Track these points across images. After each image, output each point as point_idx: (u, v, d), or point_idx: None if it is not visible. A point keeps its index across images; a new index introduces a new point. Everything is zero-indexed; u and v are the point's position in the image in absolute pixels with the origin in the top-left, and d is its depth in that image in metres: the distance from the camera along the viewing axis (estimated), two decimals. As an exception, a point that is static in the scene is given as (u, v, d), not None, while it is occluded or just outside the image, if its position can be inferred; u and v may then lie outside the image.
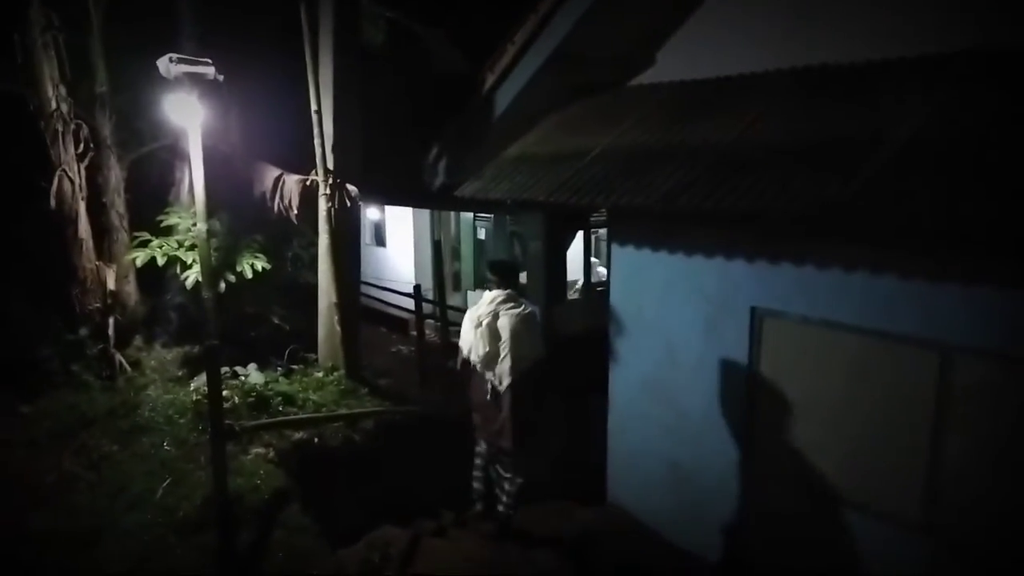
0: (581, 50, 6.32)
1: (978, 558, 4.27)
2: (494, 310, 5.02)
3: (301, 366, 7.10)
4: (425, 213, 14.39)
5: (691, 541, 5.88)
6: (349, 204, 6.75)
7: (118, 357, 7.13)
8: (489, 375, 5.03)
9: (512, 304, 5.07)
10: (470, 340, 5.11)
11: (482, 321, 5.01)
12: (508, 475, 5.33)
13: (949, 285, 4.22)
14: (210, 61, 5.86)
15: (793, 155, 4.55)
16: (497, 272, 5.26)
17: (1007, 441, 4.12)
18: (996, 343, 4.07)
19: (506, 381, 4.95)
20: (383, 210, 14.66)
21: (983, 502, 4.25)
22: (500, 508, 5.46)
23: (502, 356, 4.97)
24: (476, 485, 5.60)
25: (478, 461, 5.51)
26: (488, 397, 5.06)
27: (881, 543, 4.70)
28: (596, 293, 13.21)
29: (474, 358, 5.09)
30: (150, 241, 7.14)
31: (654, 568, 5.77)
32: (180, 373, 6.96)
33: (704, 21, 6.09)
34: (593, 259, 13.61)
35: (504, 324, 4.98)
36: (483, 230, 14.16)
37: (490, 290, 5.18)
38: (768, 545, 5.35)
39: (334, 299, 6.85)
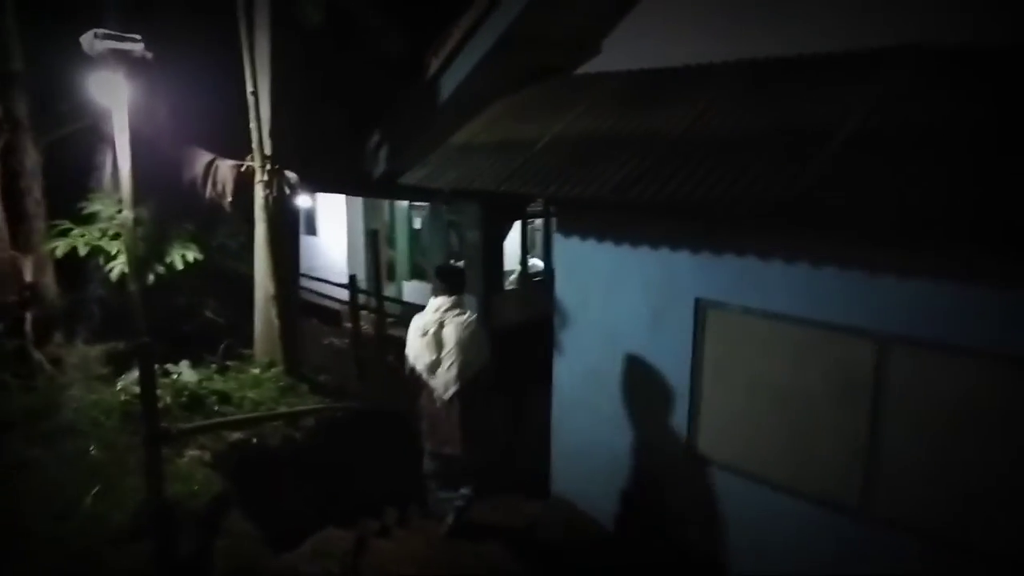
0: (528, 35, 6.22)
1: (913, 542, 4.39)
2: (440, 319, 5.02)
3: (237, 362, 6.78)
4: (358, 201, 14.07)
5: (633, 528, 5.91)
6: (288, 192, 6.48)
7: (37, 355, 6.64)
8: (436, 383, 5.02)
9: (458, 311, 5.07)
10: (416, 349, 5.08)
11: (428, 330, 5.00)
12: (461, 486, 5.35)
13: (886, 276, 4.34)
14: (138, 37, 5.55)
15: (744, 147, 4.57)
16: (444, 278, 5.21)
17: (941, 428, 4.25)
18: (930, 333, 4.19)
19: (452, 389, 4.96)
20: (314, 198, 14.26)
21: (919, 487, 4.38)
22: (453, 510, 5.44)
23: (447, 365, 4.96)
24: (439, 495, 5.51)
25: (430, 469, 5.42)
26: (437, 405, 5.04)
27: (819, 528, 4.81)
28: (533, 283, 13.24)
29: (420, 367, 5.06)
30: (71, 230, 6.69)
31: (598, 558, 5.79)
32: (105, 371, 6.51)
33: (648, 12, 6.07)
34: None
35: (449, 333, 4.97)
36: (418, 219, 13.93)
37: (436, 296, 5.13)
38: (710, 532, 5.42)
39: (272, 292, 6.57)
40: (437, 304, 5.06)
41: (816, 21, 5.09)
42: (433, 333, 4.97)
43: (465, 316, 5.07)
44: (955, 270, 4.04)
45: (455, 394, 4.94)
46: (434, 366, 4.97)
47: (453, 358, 4.92)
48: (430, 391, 5.06)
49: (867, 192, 3.78)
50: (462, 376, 4.93)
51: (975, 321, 4.02)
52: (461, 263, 7.54)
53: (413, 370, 5.13)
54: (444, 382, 4.96)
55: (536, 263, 13.72)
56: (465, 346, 4.94)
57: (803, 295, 4.75)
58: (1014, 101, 3.86)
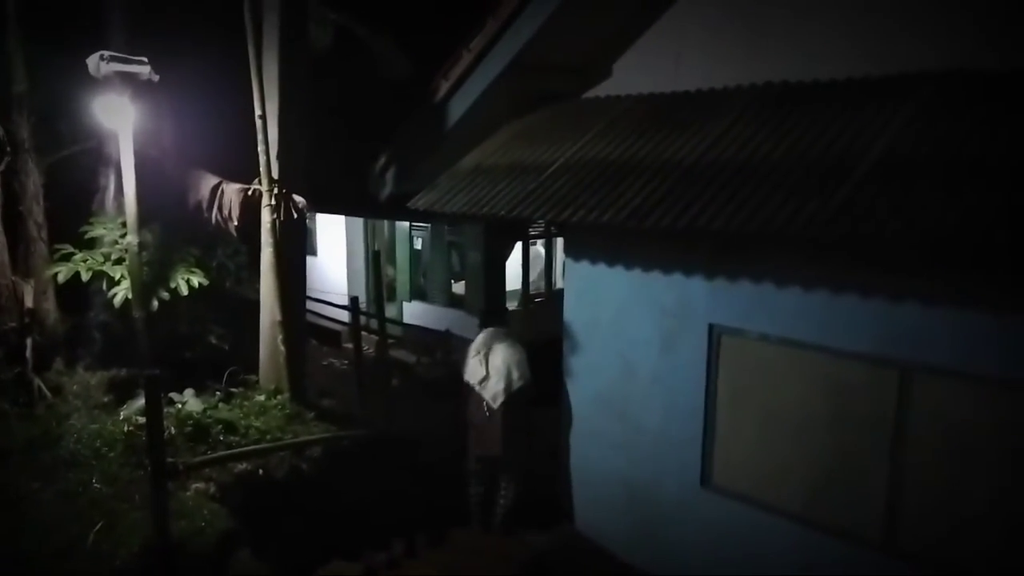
0: (540, 59, 6.18)
1: (939, 576, 4.29)
2: (490, 343, 6.18)
3: (241, 389, 6.62)
4: (358, 221, 13.96)
5: (647, 561, 5.80)
6: (296, 216, 6.36)
7: (37, 382, 6.45)
8: (486, 395, 6.04)
9: (504, 338, 6.25)
10: (471, 367, 6.19)
11: (480, 351, 6.15)
12: (504, 482, 6.20)
13: (910, 303, 4.27)
14: (144, 59, 5.46)
15: (764, 174, 4.50)
16: (491, 315, 6.80)
17: (967, 458, 4.18)
18: (955, 362, 4.13)
19: (500, 400, 5.98)
20: (314, 218, 14.17)
21: (943, 520, 4.29)
22: (499, 509, 6.23)
23: (495, 380, 6.02)
24: (474, 494, 6.36)
25: (473, 472, 6.30)
26: (483, 413, 6.05)
27: (841, 562, 4.71)
28: (535, 304, 13.14)
29: (473, 382, 6.13)
30: (73, 254, 6.55)
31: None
32: (106, 399, 6.31)
33: (661, 34, 6.03)
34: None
35: (497, 355, 6.10)
36: (420, 239, 13.83)
37: (486, 327, 6.42)
38: (724, 565, 5.30)
39: (278, 317, 6.42)
40: (489, 332, 6.32)
41: (836, 45, 5.04)
42: (484, 354, 6.11)
43: (509, 342, 6.22)
44: (983, 297, 3.97)
45: (502, 404, 5.97)
46: (483, 380, 6.06)
47: (499, 375, 6.01)
48: (478, 402, 6.08)
49: (891, 224, 3.69)
50: (507, 390, 5.99)
51: (1003, 349, 3.95)
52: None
53: (468, 384, 6.19)
54: (492, 394, 6.01)
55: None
56: (509, 365, 6.04)
57: (823, 322, 4.68)
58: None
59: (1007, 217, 3.41)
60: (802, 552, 4.88)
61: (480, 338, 6.30)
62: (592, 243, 6.03)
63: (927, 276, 4.15)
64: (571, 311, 6.33)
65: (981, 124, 4.03)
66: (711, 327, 5.34)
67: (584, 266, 6.16)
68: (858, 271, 4.44)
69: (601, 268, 6.02)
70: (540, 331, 8.87)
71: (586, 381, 6.23)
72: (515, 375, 6.04)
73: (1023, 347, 3.87)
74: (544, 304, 13.05)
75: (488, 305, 9.26)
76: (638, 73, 6.19)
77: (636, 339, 5.79)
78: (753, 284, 5.04)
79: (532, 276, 13.33)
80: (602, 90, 6.50)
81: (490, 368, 6.05)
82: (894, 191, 3.85)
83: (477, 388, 6.09)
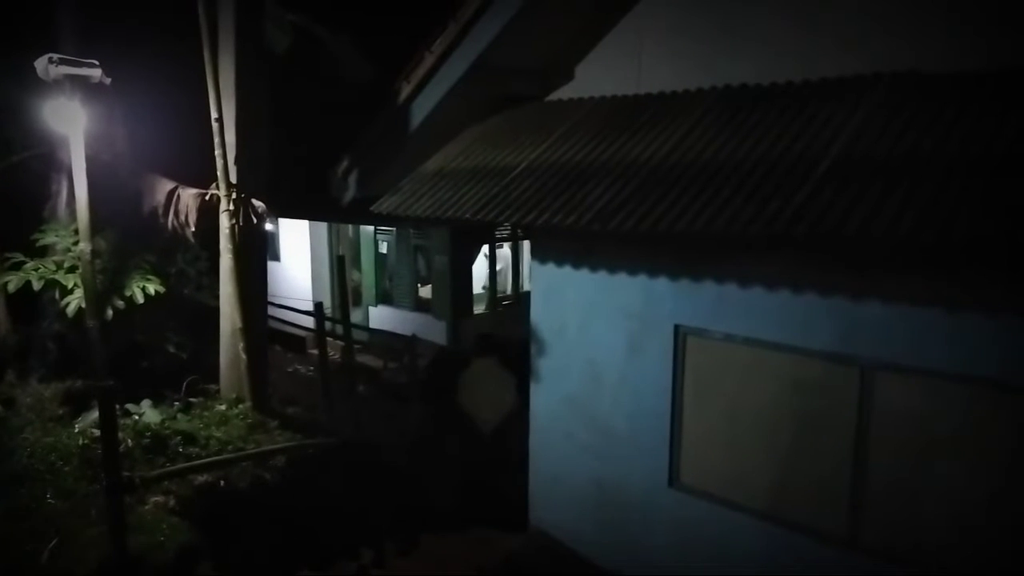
0: (502, 61, 6.16)
1: (903, 570, 4.35)
2: (480, 370, 7.27)
3: (201, 399, 6.47)
4: (322, 226, 13.84)
5: (617, 562, 5.81)
6: (255, 221, 6.24)
7: (-12, 395, 6.30)
8: (478, 417, 7.03)
9: (493, 366, 7.24)
10: (468, 396, 7.23)
11: (472, 380, 7.21)
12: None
13: (870, 302, 4.32)
14: (96, 62, 5.33)
15: (726, 175, 4.52)
16: (481, 345, 7.91)
17: (928, 454, 4.23)
18: (914, 359, 4.19)
19: (491, 425, 6.93)
20: (276, 223, 13.99)
21: (906, 515, 4.36)
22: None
23: (486, 404, 6.92)
24: None
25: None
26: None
27: (807, 559, 4.75)
28: (503, 307, 13.12)
29: (468, 406, 7.09)
30: (24, 263, 6.37)
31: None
32: (61, 412, 6.14)
33: (623, 38, 6.03)
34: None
35: (486, 381, 7.06)
36: (385, 243, 13.73)
37: (477, 356, 7.56)
38: (692, 563, 5.32)
39: (238, 324, 6.30)
40: (480, 360, 7.37)
41: (794, 47, 5.08)
42: (475, 382, 7.14)
43: (499, 369, 7.16)
44: (940, 294, 4.03)
45: (492, 429, 6.90)
46: (477, 405, 7.03)
47: (490, 399, 6.93)
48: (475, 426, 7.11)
49: (848, 227, 3.72)
50: (498, 411, 6.90)
51: (959, 347, 4.02)
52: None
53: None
54: (484, 420, 6.94)
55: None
56: (498, 390, 6.95)
57: (785, 321, 4.73)
58: (1000, 125, 3.86)
59: (963, 213, 3.46)
60: (768, 549, 4.92)
61: (472, 369, 7.38)
62: (558, 246, 6.02)
63: (885, 274, 4.21)
64: (538, 314, 6.31)
65: (932, 124, 4.09)
66: (676, 328, 5.37)
67: (550, 269, 6.15)
68: (818, 270, 4.49)
69: (567, 270, 6.01)
70: (509, 333, 8.88)
71: (554, 384, 6.21)
72: (508, 398, 6.92)
73: (980, 343, 3.93)
74: (511, 307, 13.06)
75: (456, 311, 10.57)
76: (600, 75, 6.19)
77: (603, 340, 5.80)
78: (717, 284, 5.07)
79: (499, 279, 13.32)
80: (565, 92, 6.50)
81: (479, 394, 7.09)
82: (852, 191, 3.88)
83: (471, 411, 7.11)
